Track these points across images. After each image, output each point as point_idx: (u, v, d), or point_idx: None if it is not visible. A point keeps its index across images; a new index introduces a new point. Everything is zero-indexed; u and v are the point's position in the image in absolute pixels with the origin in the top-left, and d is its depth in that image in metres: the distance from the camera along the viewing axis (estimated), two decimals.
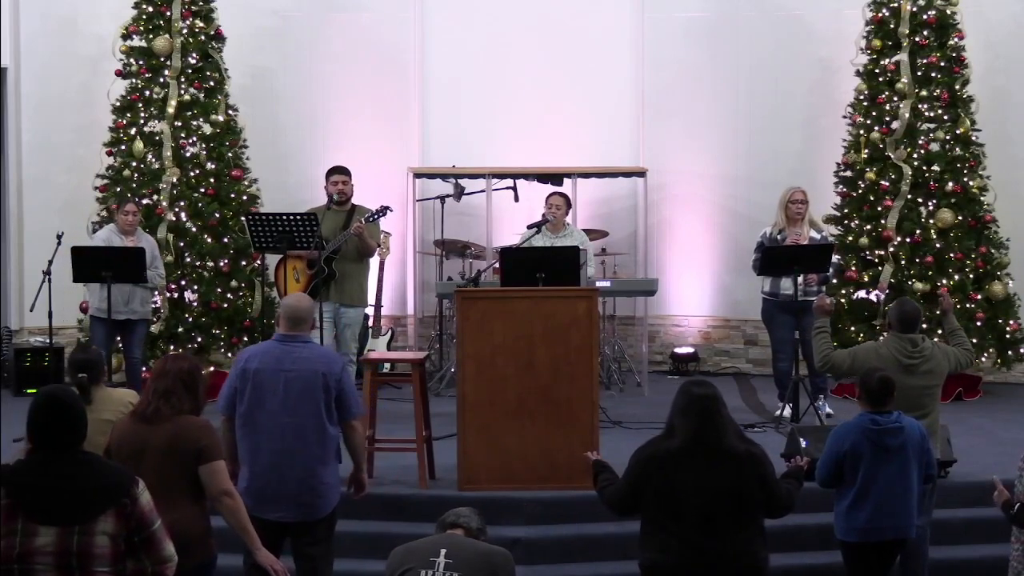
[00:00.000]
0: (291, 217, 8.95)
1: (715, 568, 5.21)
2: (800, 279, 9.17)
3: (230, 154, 10.65)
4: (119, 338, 9.44)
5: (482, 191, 11.23)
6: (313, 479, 5.80)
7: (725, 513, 5.20)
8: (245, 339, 10.38)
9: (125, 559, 4.10)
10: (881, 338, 8.10)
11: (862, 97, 10.81)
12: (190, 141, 10.52)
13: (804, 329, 9.23)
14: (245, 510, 5.28)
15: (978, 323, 10.38)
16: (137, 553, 4.12)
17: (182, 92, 10.54)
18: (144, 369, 10.05)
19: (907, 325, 6.87)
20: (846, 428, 6.21)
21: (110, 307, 9.01)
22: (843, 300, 10.43)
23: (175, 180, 10.38)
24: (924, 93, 10.59)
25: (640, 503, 5.31)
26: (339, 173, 9.42)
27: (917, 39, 10.60)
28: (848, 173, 10.81)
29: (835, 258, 9.73)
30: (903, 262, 10.44)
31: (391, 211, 9.49)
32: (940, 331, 8.40)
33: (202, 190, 10.46)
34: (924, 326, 9.44)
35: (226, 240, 10.46)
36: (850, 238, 10.54)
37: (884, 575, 6.24)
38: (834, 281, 9.95)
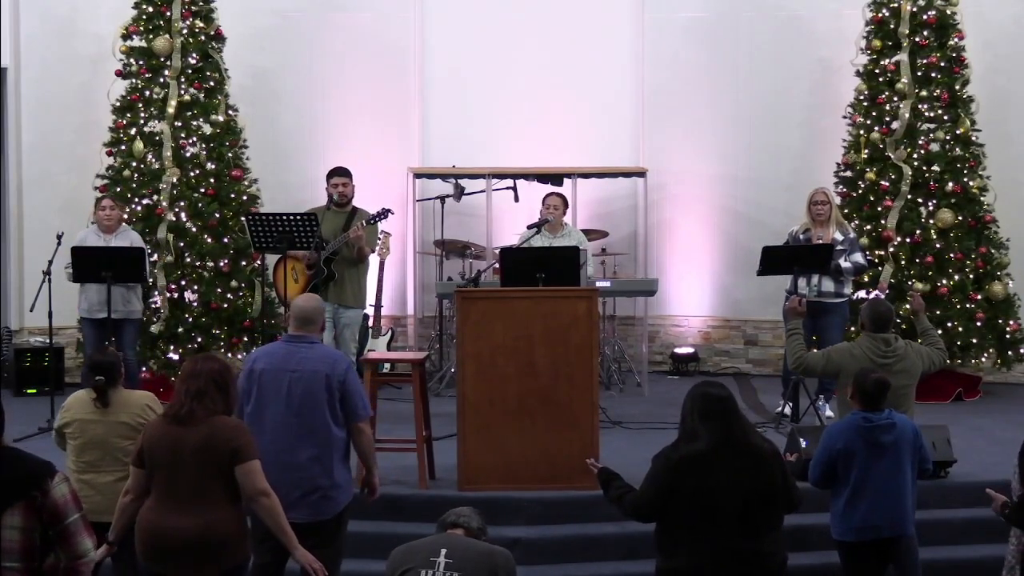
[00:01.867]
0: (291, 217, 8.95)
1: (750, 569, 5.21)
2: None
3: (230, 154, 10.65)
4: (113, 338, 9.43)
5: (482, 191, 11.23)
6: (319, 480, 5.79)
7: (757, 512, 5.22)
8: (245, 339, 10.38)
9: (42, 553, 4.05)
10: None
11: (862, 97, 10.81)
12: (190, 141, 10.51)
13: (819, 330, 9.24)
14: (282, 510, 5.27)
15: (978, 323, 10.39)
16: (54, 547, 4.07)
17: (182, 92, 10.54)
18: (144, 370, 10.11)
19: (879, 325, 6.89)
20: (838, 428, 6.23)
21: (109, 306, 9.02)
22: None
23: (175, 180, 10.38)
24: (924, 93, 10.59)
25: (667, 508, 5.26)
26: (339, 175, 9.42)
27: (917, 39, 10.60)
28: (848, 173, 10.81)
29: (859, 258, 9.58)
30: (903, 262, 10.44)
31: (392, 214, 9.50)
32: (942, 330, 8.40)
33: (202, 190, 10.46)
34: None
35: (226, 240, 10.45)
36: None
37: (881, 574, 6.24)
38: (852, 278, 9.88)
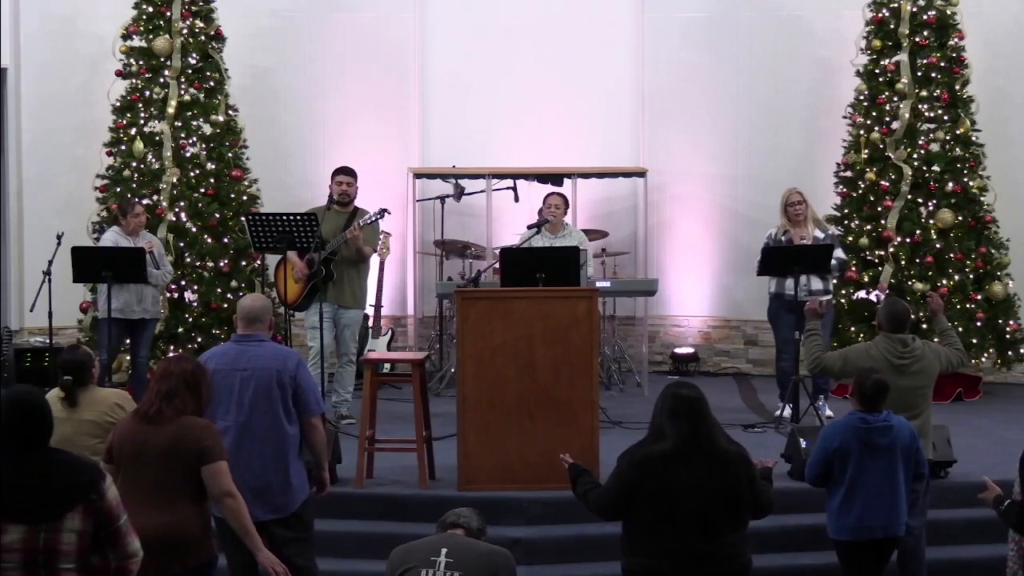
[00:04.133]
0: (291, 217, 8.95)
1: (708, 571, 5.18)
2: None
3: (230, 154, 10.66)
4: (128, 339, 9.43)
5: (482, 191, 11.23)
6: (272, 478, 5.78)
7: (718, 515, 5.18)
8: None
9: (91, 555, 4.08)
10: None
11: (862, 97, 10.81)
12: (190, 141, 10.52)
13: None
14: (247, 511, 5.27)
15: (978, 323, 10.38)
16: (103, 548, 4.09)
17: (182, 92, 10.54)
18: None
19: (897, 325, 6.87)
20: (835, 427, 6.23)
21: (110, 306, 9.02)
22: (843, 300, 10.42)
23: (175, 180, 10.39)
24: (924, 93, 10.59)
25: (630, 506, 5.25)
26: (345, 174, 9.42)
27: (917, 39, 10.60)
28: (848, 173, 10.82)
29: (840, 254, 9.60)
30: (903, 262, 10.44)
31: (389, 213, 9.49)
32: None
33: (202, 190, 10.47)
34: (924, 327, 9.47)
35: (226, 240, 10.46)
36: (850, 238, 10.53)
37: (879, 574, 6.24)
38: (834, 280, 9.87)
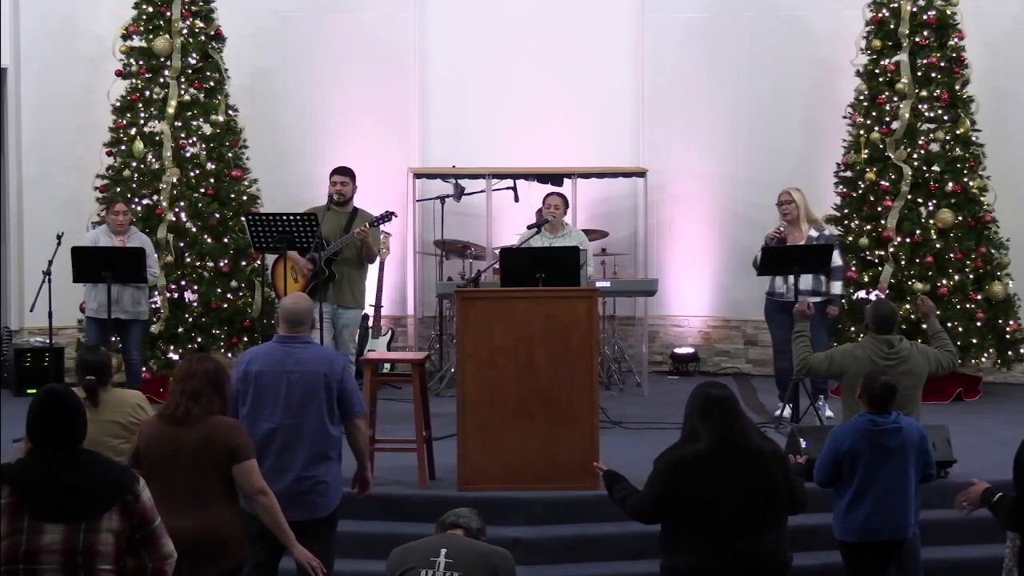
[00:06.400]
0: (291, 217, 8.95)
1: (749, 569, 5.22)
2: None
3: (230, 154, 10.65)
4: (116, 338, 9.42)
5: (482, 191, 11.23)
6: (315, 479, 5.83)
7: (757, 513, 5.22)
8: (245, 339, 10.38)
9: (126, 556, 4.09)
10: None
11: (862, 97, 10.80)
12: (190, 141, 10.52)
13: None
14: (280, 508, 5.28)
15: (978, 323, 10.38)
16: (137, 550, 4.10)
17: (182, 92, 10.54)
18: (144, 370, 10.10)
19: (883, 326, 6.88)
20: (845, 428, 6.22)
21: (110, 306, 9.02)
22: (843, 301, 10.41)
23: (175, 180, 10.39)
24: (924, 93, 10.59)
25: (669, 509, 5.28)
26: (341, 174, 9.44)
27: (917, 39, 10.60)
28: (848, 173, 10.81)
29: (836, 262, 9.57)
30: (903, 262, 10.44)
31: (395, 216, 9.52)
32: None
33: (202, 190, 10.47)
34: (924, 326, 9.46)
35: (226, 240, 10.46)
36: (850, 238, 10.53)
37: (883, 575, 6.25)
38: (836, 284, 9.77)
